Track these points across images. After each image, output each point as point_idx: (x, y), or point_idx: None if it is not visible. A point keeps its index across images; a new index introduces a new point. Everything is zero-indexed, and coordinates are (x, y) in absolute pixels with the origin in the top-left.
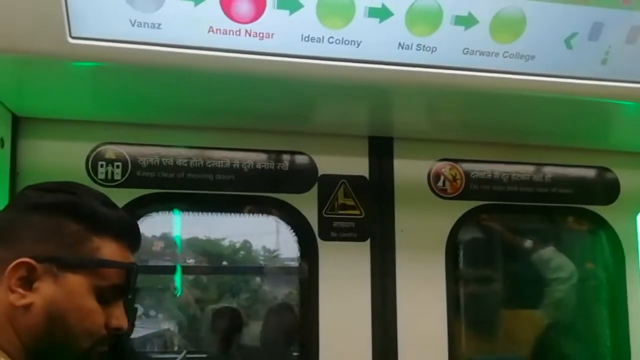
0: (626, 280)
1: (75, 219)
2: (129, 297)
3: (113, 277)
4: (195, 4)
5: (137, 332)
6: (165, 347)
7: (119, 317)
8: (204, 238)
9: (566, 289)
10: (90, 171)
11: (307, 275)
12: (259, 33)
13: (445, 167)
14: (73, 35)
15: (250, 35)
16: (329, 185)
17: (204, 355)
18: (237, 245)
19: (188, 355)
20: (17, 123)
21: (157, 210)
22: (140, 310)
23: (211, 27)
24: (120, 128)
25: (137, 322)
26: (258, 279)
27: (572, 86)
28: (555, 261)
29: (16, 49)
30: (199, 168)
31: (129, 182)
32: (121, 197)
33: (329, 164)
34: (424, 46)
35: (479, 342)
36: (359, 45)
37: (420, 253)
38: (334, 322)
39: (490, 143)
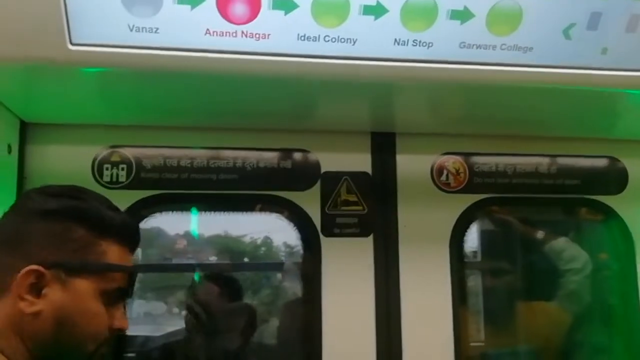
0: (637, 269)
1: (82, 223)
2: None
3: (117, 280)
4: (192, 7)
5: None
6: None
7: (121, 319)
8: (210, 236)
9: (580, 279)
10: (96, 174)
11: (310, 271)
12: (255, 34)
13: (448, 161)
14: (73, 41)
15: (246, 36)
16: (331, 181)
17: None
18: (244, 242)
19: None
20: (25, 129)
21: (161, 211)
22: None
23: (208, 29)
24: (124, 131)
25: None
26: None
27: (572, 76)
28: (568, 252)
29: (18, 57)
30: (203, 168)
31: (134, 183)
32: (126, 199)
33: (331, 161)
34: (420, 42)
35: (487, 337)
36: (354, 43)
37: (424, 248)
38: (338, 319)
39: (493, 135)
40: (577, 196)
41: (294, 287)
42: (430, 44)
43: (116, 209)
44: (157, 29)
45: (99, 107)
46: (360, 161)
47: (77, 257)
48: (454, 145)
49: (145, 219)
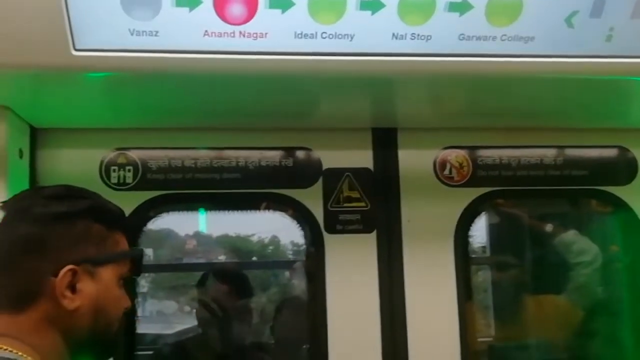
0: None
1: (96, 220)
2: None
3: (130, 264)
4: (190, 9)
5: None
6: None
7: (127, 298)
8: (216, 235)
9: (590, 272)
10: (104, 176)
11: (314, 268)
12: (253, 33)
13: (451, 155)
14: (77, 47)
15: (244, 36)
16: (333, 178)
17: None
18: (249, 240)
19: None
20: (35, 134)
21: (167, 211)
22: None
23: (206, 30)
24: (130, 133)
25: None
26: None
27: (576, 65)
28: (578, 245)
29: (25, 64)
30: (206, 168)
31: (140, 185)
32: (133, 200)
33: (333, 158)
34: (418, 35)
35: (494, 331)
36: (352, 38)
37: (428, 243)
38: (343, 315)
39: (497, 128)
40: (585, 187)
41: (298, 285)
42: (429, 37)
43: (112, 203)
44: (157, 32)
45: (104, 111)
46: (362, 157)
47: (99, 250)
48: (456, 138)
49: (152, 220)
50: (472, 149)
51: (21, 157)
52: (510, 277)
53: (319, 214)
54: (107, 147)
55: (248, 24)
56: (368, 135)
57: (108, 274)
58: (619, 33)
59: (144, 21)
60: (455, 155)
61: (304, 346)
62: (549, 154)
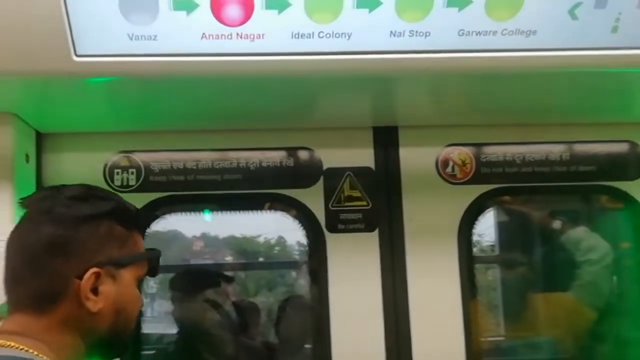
0: None
1: (117, 221)
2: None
3: (146, 265)
4: (188, 13)
5: None
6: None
7: (142, 298)
8: (217, 236)
9: (597, 270)
10: (108, 179)
11: (316, 268)
12: (250, 35)
13: (453, 152)
14: (78, 53)
15: (241, 37)
16: (334, 178)
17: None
18: (252, 240)
19: None
20: (40, 139)
21: (170, 212)
22: None
23: (204, 33)
24: (132, 136)
25: None
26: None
27: (581, 58)
28: (586, 242)
29: (28, 71)
30: (208, 170)
31: (143, 187)
32: (137, 202)
33: (333, 157)
34: (416, 32)
35: (499, 330)
36: (349, 37)
37: (431, 242)
38: (345, 315)
39: (500, 124)
40: (592, 183)
41: (302, 285)
42: (428, 34)
43: (129, 203)
44: (156, 36)
45: (107, 115)
46: (363, 156)
47: (122, 251)
48: (459, 136)
49: (156, 221)
50: (475, 146)
51: (27, 161)
52: (517, 275)
53: (320, 213)
54: (111, 151)
55: (245, 25)
56: (369, 133)
57: (128, 275)
58: (625, 24)
59: (143, 26)
60: (457, 153)
61: (307, 345)
62: (555, 149)
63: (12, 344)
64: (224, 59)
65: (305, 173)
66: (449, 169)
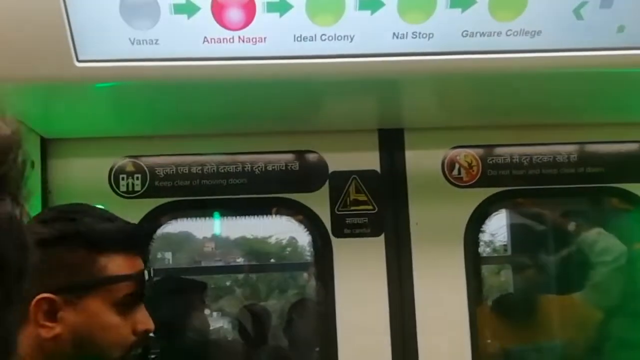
0: None
1: (78, 245)
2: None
3: (126, 288)
4: (189, 16)
5: None
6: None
7: (143, 321)
8: (225, 239)
9: (609, 272)
10: (113, 184)
11: (322, 273)
12: (252, 38)
13: (459, 155)
14: (79, 58)
15: (243, 41)
16: (340, 181)
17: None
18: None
19: None
20: (45, 144)
21: (176, 217)
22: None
23: (205, 37)
24: (137, 141)
25: None
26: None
27: (587, 59)
28: (601, 244)
29: (31, 77)
30: (213, 174)
31: (149, 192)
32: (143, 207)
33: (339, 161)
34: (419, 33)
35: (508, 333)
36: (352, 39)
37: (438, 245)
38: (352, 319)
39: (506, 126)
40: (600, 185)
41: (307, 290)
42: (431, 35)
43: (113, 218)
44: (157, 40)
45: (110, 120)
46: (368, 159)
47: (80, 278)
48: (464, 138)
49: (162, 226)
50: (481, 148)
51: (32, 167)
52: (528, 277)
53: (326, 217)
54: (116, 156)
55: (246, 28)
56: (374, 136)
57: (94, 303)
58: (632, 23)
59: (144, 30)
60: (464, 155)
61: (315, 349)
62: (562, 151)
63: None
64: (225, 62)
65: (310, 177)
66: (455, 172)
